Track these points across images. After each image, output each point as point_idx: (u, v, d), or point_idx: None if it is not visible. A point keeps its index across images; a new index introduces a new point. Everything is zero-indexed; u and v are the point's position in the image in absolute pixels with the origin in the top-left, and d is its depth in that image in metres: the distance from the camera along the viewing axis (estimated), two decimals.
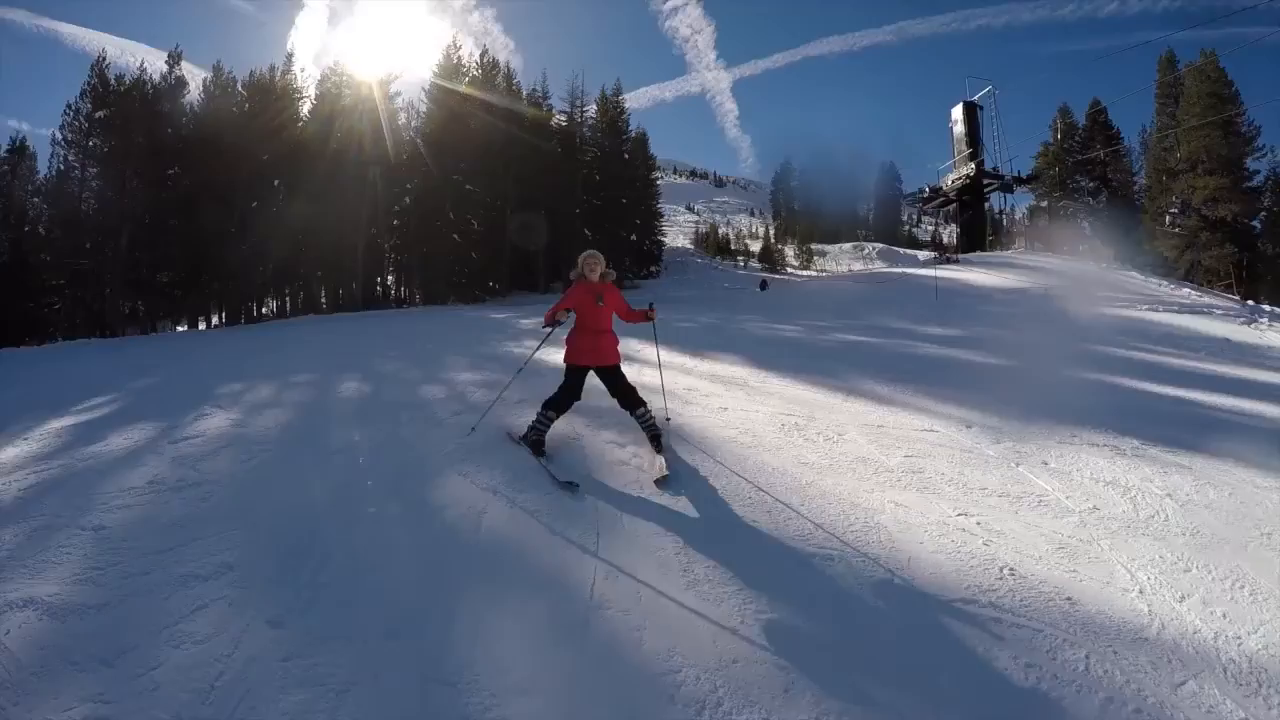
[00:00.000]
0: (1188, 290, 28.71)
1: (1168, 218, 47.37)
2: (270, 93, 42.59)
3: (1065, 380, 10.95)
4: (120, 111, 37.97)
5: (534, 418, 6.72)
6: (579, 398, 6.79)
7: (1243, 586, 4.32)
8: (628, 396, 6.81)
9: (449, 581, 4.18)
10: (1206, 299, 25.33)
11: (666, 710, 3.17)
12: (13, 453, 7.08)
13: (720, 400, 8.80)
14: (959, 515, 4.08)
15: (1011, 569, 4.23)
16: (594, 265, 6.86)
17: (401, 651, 3.47)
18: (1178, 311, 21.41)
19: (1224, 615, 3.94)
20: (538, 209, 43.75)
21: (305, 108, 44.12)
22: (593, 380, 7.05)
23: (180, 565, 4.26)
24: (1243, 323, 19.82)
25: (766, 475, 6.04)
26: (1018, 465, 6.42)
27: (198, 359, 14.95)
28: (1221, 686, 3.35)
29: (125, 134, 37.31)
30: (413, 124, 45.94)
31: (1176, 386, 10.62)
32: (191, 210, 35.81)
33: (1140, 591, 4.14)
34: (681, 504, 4.75)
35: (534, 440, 6.58)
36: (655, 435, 6.76)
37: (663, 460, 6.30)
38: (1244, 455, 6.92)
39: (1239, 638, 3.71)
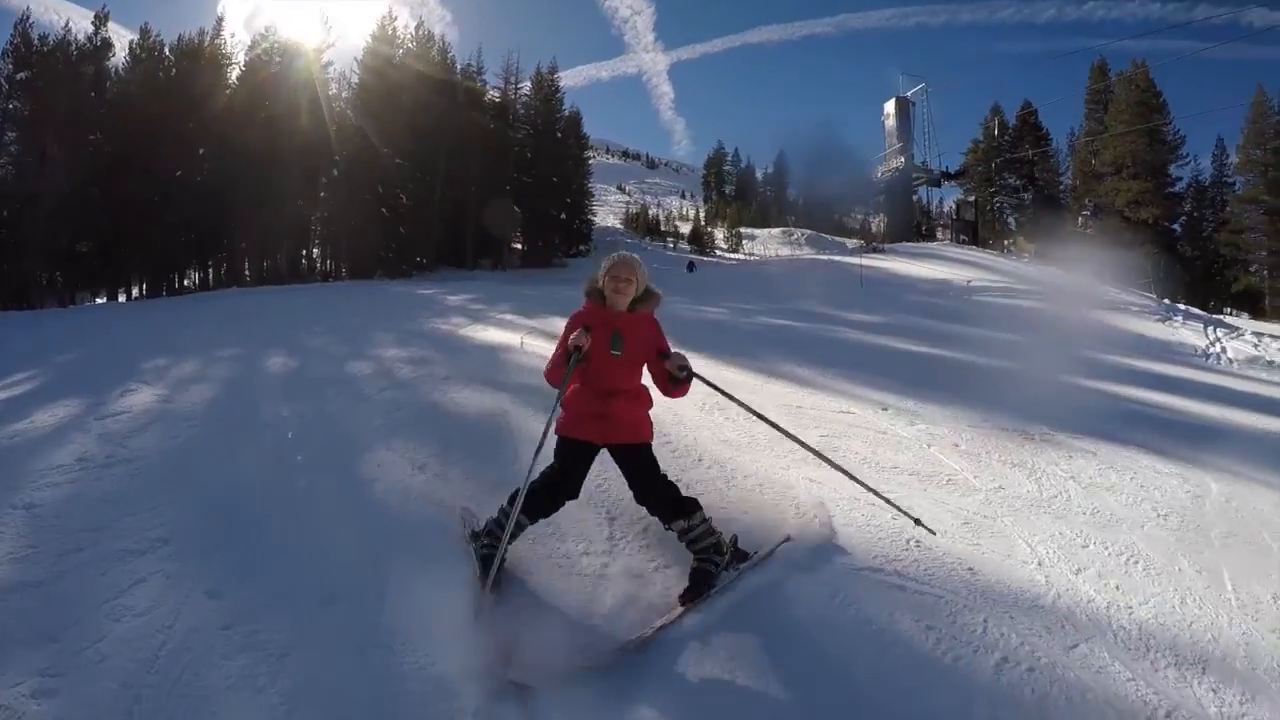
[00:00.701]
0: (1107, 287, 29.87)
1: (1080, 219, 49.30)
2: (199, 58, 41.58)
3: (980, 368, 11.47)
4: (43, 73, 36.66)
5: (493, 513, 4.22)
6: (573, 494, 4.10)
7: (1137, 562, 4.65)
8: (664, 498, 4.12)
9: (380, 551, 4.32)
10: (1125, 296, 26.28)
11: (586, 651, 3.49)
12: None
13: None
14: (869, 491, 4.32)
15: (917, 541, 4.48)
16: (622, 282, 4.12)
17: (338, 617, 3.62)
18: (1094, 308, 22.21)
19: (1117, 587, 4.25)
20: (468, 185, 43.66)
21: (234, 75, 43.18)
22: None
23: (115, 541, 4.32)
24: (1158, 319, 20.89)
25: (687, 451, 6.24)
26: (929, 447, 6.76)
27: (120, 333, 14.77)
28: (1111, 650, 3.62)
29: (47, 98, 35.99)
30: (344, 94, 45.41)
31: (1089, 377, 11.16)
32: (113, 179, 34.82)
33: (1039, 564, 4.45)
34: (607, 476, 4.91)
35: (484, 554, 4.00)
36: (706, 574, 4.02)
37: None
38: (1148, 443, 7.37)
39: (1130, 607, 4.01)
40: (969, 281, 26.76)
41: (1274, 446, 7.91)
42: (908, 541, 4.52)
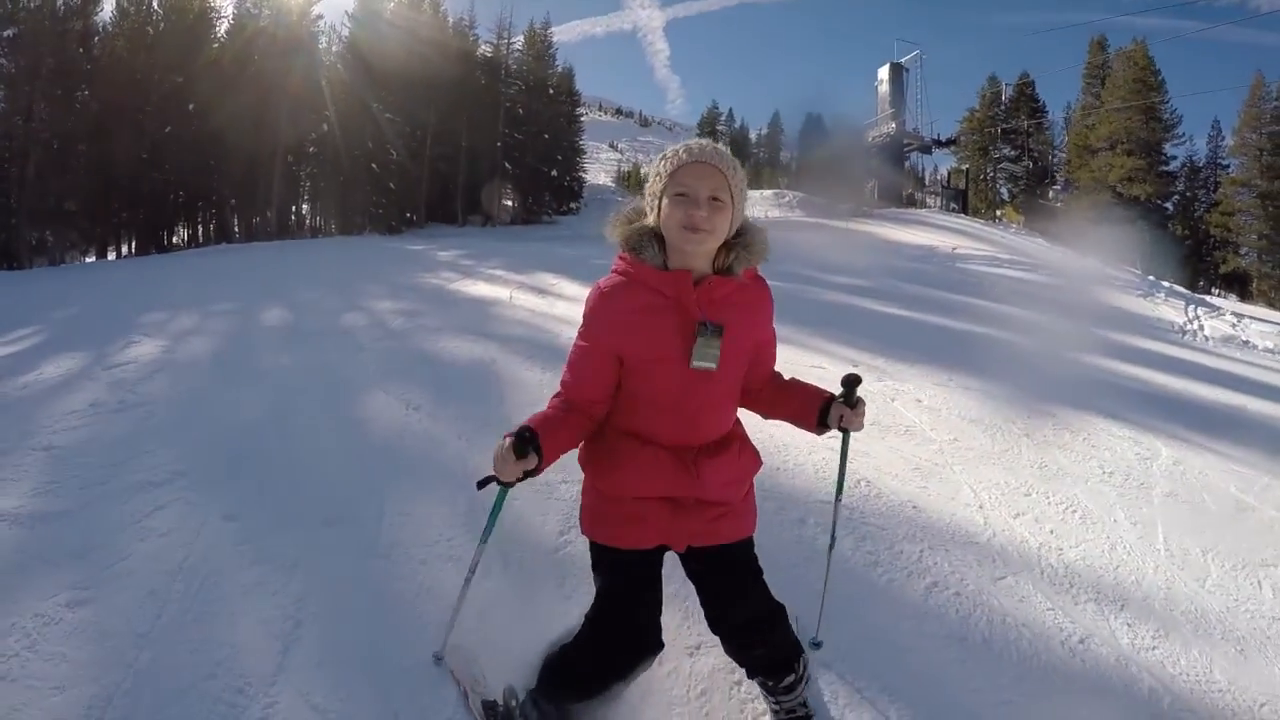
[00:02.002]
0: (1093, 260, 30.23)
1: (1051, 193, 49.81)
2: (188, 12, 40.63)
3: (953, 331, 11.79)
4: (29, 30, 35.43)
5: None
6: (647, 654, 2.40)
7: (1074, 511, 5.02)
8: (768, 630, 2.43)
9: (378, 480, 4.72)
10: (1109, 270, 26.65)
11: (549, 565, 3.84)
12: None
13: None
14: (829, 438, 4.71)
15: (869, 481, 4.90)
16: (706, 204, 2.13)
17: (340, 535, 4.00)
18: (1075, 280, 22.68)
19: (1051, 531, 4.64)
20: (458, 141, 43.65)
21: (222, 28, 42.39)
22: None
23: (134, 474, 4.65)
24: (1140, 295, 20.97)
25: None
26: (893, 400, 7.13)
27: (114, 289, 14.86)
28: (1036, 584, 3.99)
29: (34, 53, 34.85)
30: (334, 48, 44.89)
31: (1060, 345, 11.39)
32: (102, 136, 34.35)
33: (980, 507, 4.84)
34: None
35: None
36: None
37: None
38: (1108, 409, 7.68)
39: (1060, 549, 4.40)
40: (954, 249, 26.88)
41: (1230, 418, 8.24)
42: (858, 481, 4.91)
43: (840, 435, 2.67)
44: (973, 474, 5.40)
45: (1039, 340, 11.69)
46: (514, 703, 2.63)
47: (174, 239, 40.42)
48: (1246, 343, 15.58)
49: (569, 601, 3.43)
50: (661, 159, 2.25)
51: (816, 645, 3.07)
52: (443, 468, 5.00)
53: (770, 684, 2.45)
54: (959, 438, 6.28)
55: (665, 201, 2.18)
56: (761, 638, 2.40)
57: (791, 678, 2.42)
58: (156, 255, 34.07)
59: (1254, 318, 20.20)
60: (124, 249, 38.49)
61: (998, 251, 27.63)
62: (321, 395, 6.53)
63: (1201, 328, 16.77)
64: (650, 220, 2.28)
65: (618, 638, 2.36)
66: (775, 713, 2.52)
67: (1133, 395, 8.75)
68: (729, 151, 2.25)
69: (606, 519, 2.38)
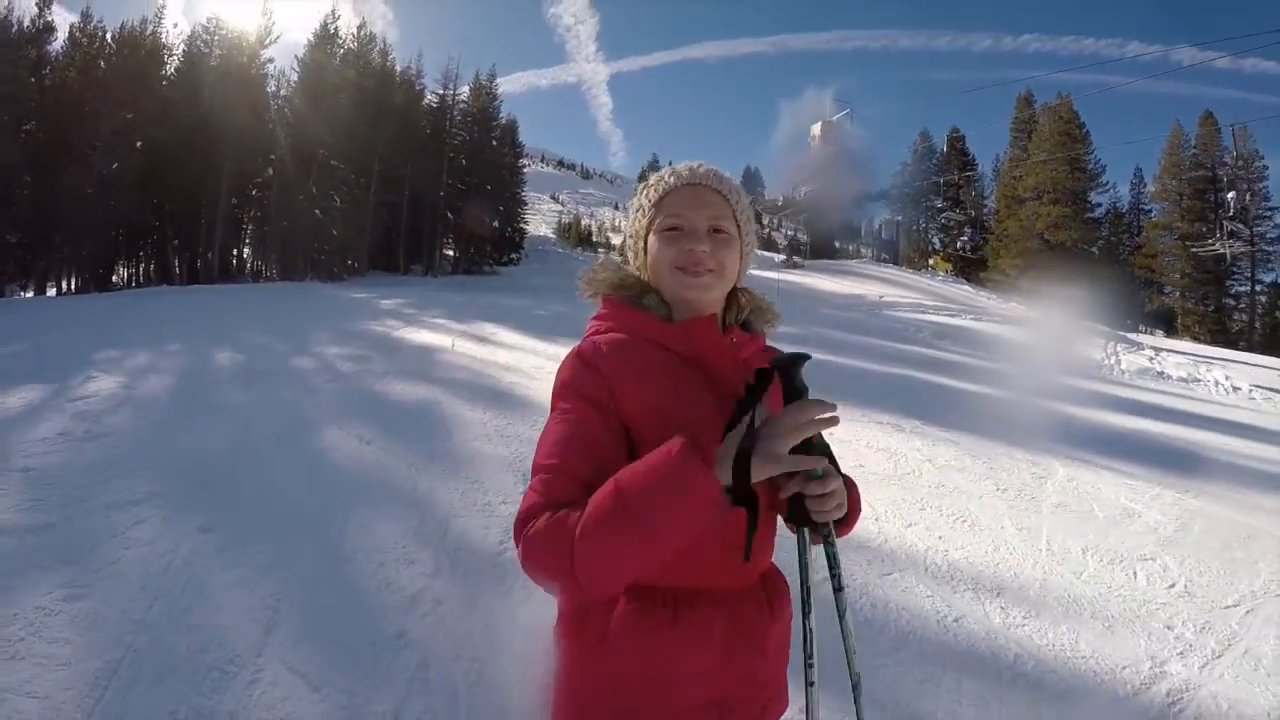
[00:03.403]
0: (1013, 303, 31.35)
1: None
2: (140, 48, 40.55)
3: (874, 373, 12.57)
4: None
5: None
6: None
7: (965, 521, 5.70)
8: None
9: (338, 500, 5.27)
10: (1031, 313, 27.66)
11: (491, 568, 4.32)
12: None
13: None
14: None
15: None
16: (709, 239, 1.49)
17: (308, 544, 4.51)
18: (1000, 323, 23.80)
19: (939, 537, 5.28)
20: (402, 189, 43.92)
21: (172, 65, 42.35)
22: None
23: (111, 494, 5.07)
24: (1060, 334, 21.37)
25: None
26: None
27: (62, 325, 14.95)
28: (919, 578, 4.62)
29: None
30: (282, 92, 45.05)
31: (973, 382, 12.33)
32: (47, 167, 33.77)
33: (875, 519, 5.48)
34: (530, 443, 5.91)
35: None
36: None
37: None
38: (1010, 437, 8.37)
39: (946, 551, 5.03)
40: (880, 297, 28.05)
41: (1131, 440, 9.12)
42: None
43: None
44: (873, 494, 5.98)
45: (952, 376, 12.62)
46: None
47: (113, 277, 39.93)
48: (1161, 373, 16.83)
49: (508, 598, 3.97)
50: (644, 188, 1.65)
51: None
52: (396, 490, 5.54)
53: None
54: (864, 463, 6.96)
55: (653, 240, 1.55)
56: None
57: None
58: (98, 294, 33.31)
59: (1172, 351, 21.75)
60: (64, 285, 37.83)
61: (923, 298, 28.65)
62: (280, 429, 7.00)
63: (1119, 362, 17.98)
64: (633, 267, 1.65)
65: None
66: None
67: (1038, 424, 9.33)
68: (726, 175, 1.62)
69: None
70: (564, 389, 1.43)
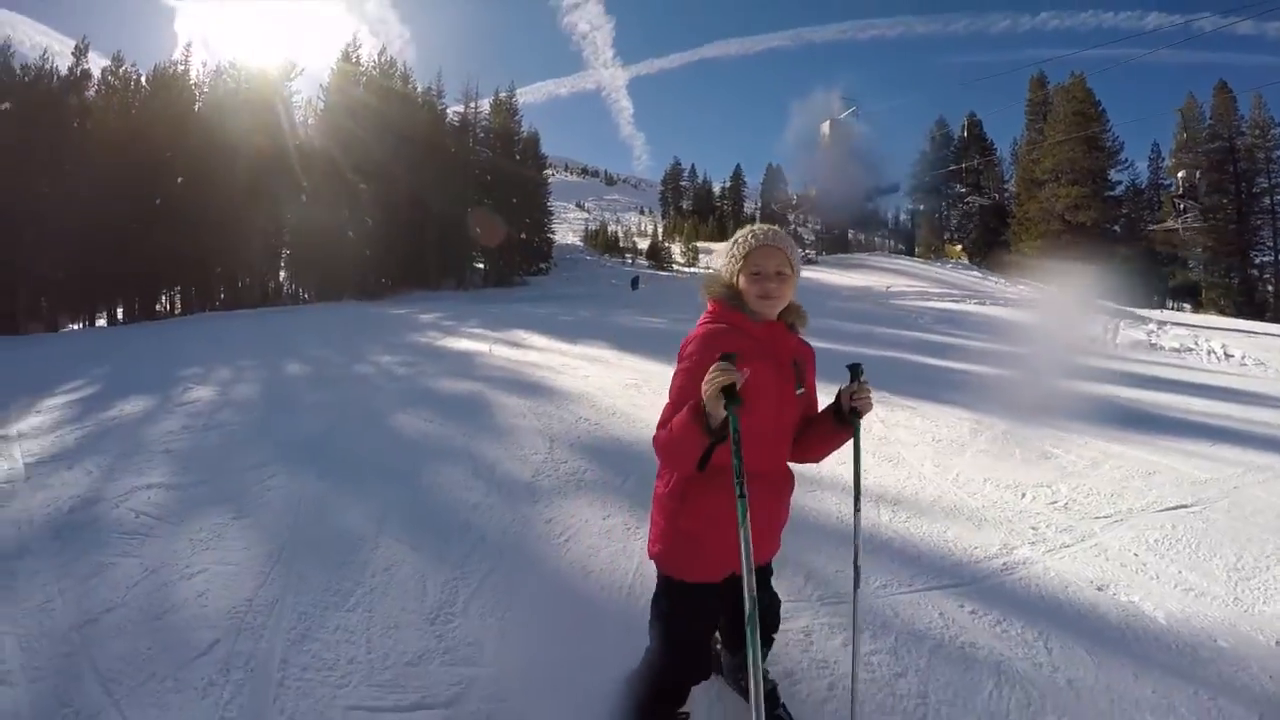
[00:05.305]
0: (1022, 286, 31.65)
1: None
2: (172, 88, 42.51)
3: (869, 358, 12.91)
4: (24, 104, 36.65)
5: None
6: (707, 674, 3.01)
7: (892, 462, 6.90)
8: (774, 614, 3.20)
9: (416, 458, 7.03)
10: (1034, 294, 27.86)
11: (526, 490, 5.78)
12: (36, 420, 8.72)
13: (585, 371, 11.49)
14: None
15: None
16: (774, 278, 2.71)
17: (398, 482, 6.25)
18: (1003, 305, 24.26)
19: (865, 471, 6.10)
20: (429, 207, 45.33)
21: (202, 100, 44.16)
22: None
23: (242, 462, 6.78)
24: (1063, 313, 22.25)
25: (611, 409, 8.87)
26: None
27: (133, 351, 16.36)
28: (834, 494, 5.69)
29: (29, 129, 35.71)
30: (310, 121, 46.81)
31: (955, 360, 13.38)
32: (94, 206, 35.11)
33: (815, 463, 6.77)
34: (558, 418, 7.78)
35: None
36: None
37: None
38: (965, 402, 9.35)
39: (867, 480, 5.87)
40: (888, 287, 29.08)
41: (1089, 405, 9.39)
42: None
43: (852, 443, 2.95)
44: None
45: (936, 356, 13.64)
46: None
47: (156, 305, 41.47)
48: (1154, 345, 17.18)
49: (534, 506, 5.69)
50: (734, 244, 2.75)
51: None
52: (455, 450, 7.27)
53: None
54: None
55: (743, 279, 2.69)
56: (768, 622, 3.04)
57: (769, 651, 3.26)
58: (147, 322, 34.51)
59: (1179, 324, 21.83)
60: (111, 316, 39.60)
61: (929, 286, 29.37)
62: (360, 416, 8.72)
63: (1115, 337, 18.43)
64: (730, 280, 2.76)
65: (693, 655, 2.87)
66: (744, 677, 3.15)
67: (1001, 393, 9.87)
68: (785, 233, 2.80)
69: (702, 549, 2.67)
70: (694, 356, 2.57)
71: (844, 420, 2.80)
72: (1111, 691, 3.43)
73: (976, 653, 3.70)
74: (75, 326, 37.22)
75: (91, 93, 41.00)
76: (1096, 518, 5.57)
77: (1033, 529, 5.33)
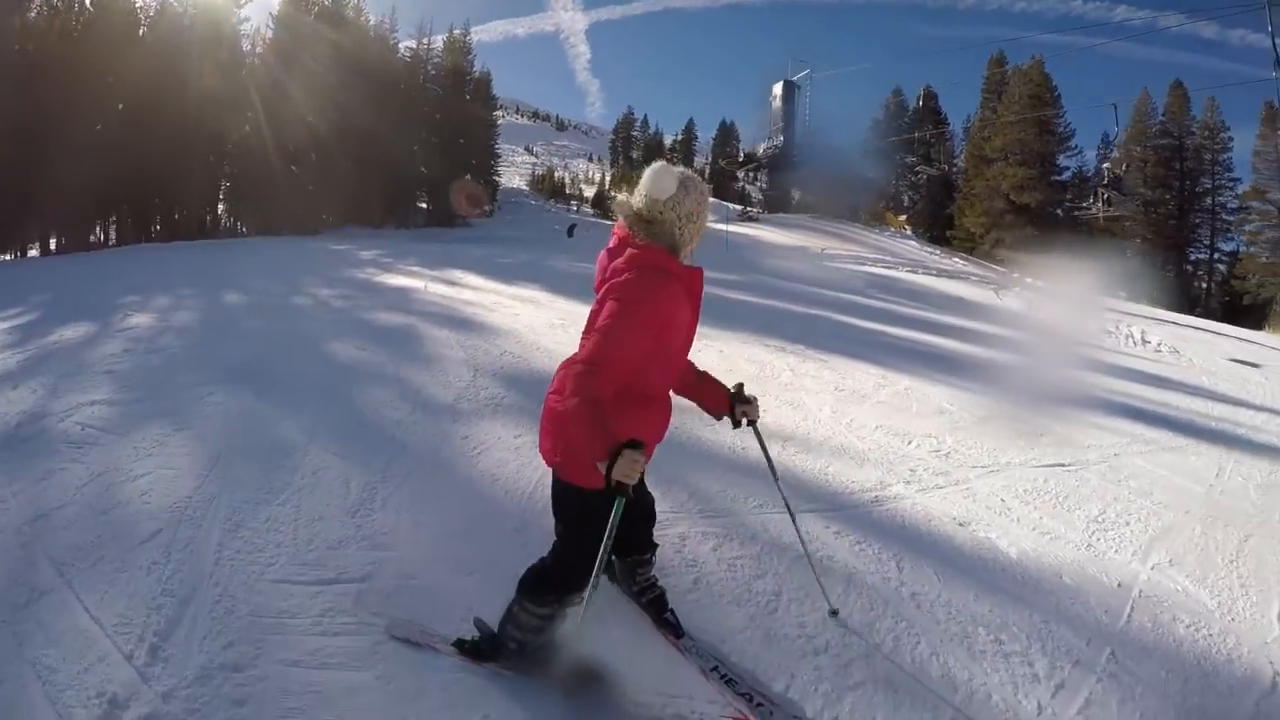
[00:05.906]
0: (957, 260, 32.34)
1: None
2: (115, 10, 40.65)
3: (793, 314, 14.00)
4: None
5: (511, 612, 3.13)
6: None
7: (792, 406, 7.28)
8: (647, 527, 3.59)
9: (347, 379, 7.60)
10: (970, 268, 28.81)
11: (447, 410, 6.24)
12: None
13: (515, 310, 11.95)
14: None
15: None
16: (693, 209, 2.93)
17: (330, 400, 6.76)
18: (935, 275, 24.93)
19: (764, 412, 6.59)
20: (376, 144, 44.31)
21: (146, 25, 42.16)
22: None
23: (181, 381, 7.21)
24: (990, 289, 23.15)
25: (535, 345, 9.34)
26: (698, 351, 9.51)
27: (73, 280, 16.40)
28: (729, 431, 5.77)
29: None
30: (257, 50, 45.25)
31: (873, 321, 13.90)
32: (31, 134, 34.09)
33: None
34: (484, 350, 8.33)
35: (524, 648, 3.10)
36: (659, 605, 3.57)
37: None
38: (878, 359, 9.76)
39: (765, 423, 5.97)
40: (823, 249, 29.81)
41: (984, 366, 9.95)
42: None
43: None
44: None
45: (856, 317, 14.14)
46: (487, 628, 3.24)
47: (90, 237, 39.95)
48: None
49: (455, 424, 6.15)
50: (702, 198, 2.95)
51: (834, 614, 3.73)
52: (385, 374, 7.82)
53: (647, 557, 3.57)
54: (734, 369, 8.48)
55: (691, 224, 2.89)
56: (641, 540, 3.52)
57: (651, 555, 3.60)
58: (82, 254, 33.71)
59: (1111, 310, 21.36)
60: (45, 246, 38.13)
61: (865, 251, 30.16)
62: (296, 341, 9.22)
63: (1035, 310, 18.95)
64: (676, 231, 2.87)
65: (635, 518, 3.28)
66: (644, 587, 3.58)
67: (908, 352, 10.66)
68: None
69: (653, 434, 2.99)
70: (642, 304, 2.69)
71: (726, 415, 3.42)
72: (951, 606, 3.85)
73: (832, 565, 4.16)
74: (6, 257, 35.92)
75: (33, 14, 38.92)
76: (974, 467, 5.92)
77: (910, 470, 5.70)
